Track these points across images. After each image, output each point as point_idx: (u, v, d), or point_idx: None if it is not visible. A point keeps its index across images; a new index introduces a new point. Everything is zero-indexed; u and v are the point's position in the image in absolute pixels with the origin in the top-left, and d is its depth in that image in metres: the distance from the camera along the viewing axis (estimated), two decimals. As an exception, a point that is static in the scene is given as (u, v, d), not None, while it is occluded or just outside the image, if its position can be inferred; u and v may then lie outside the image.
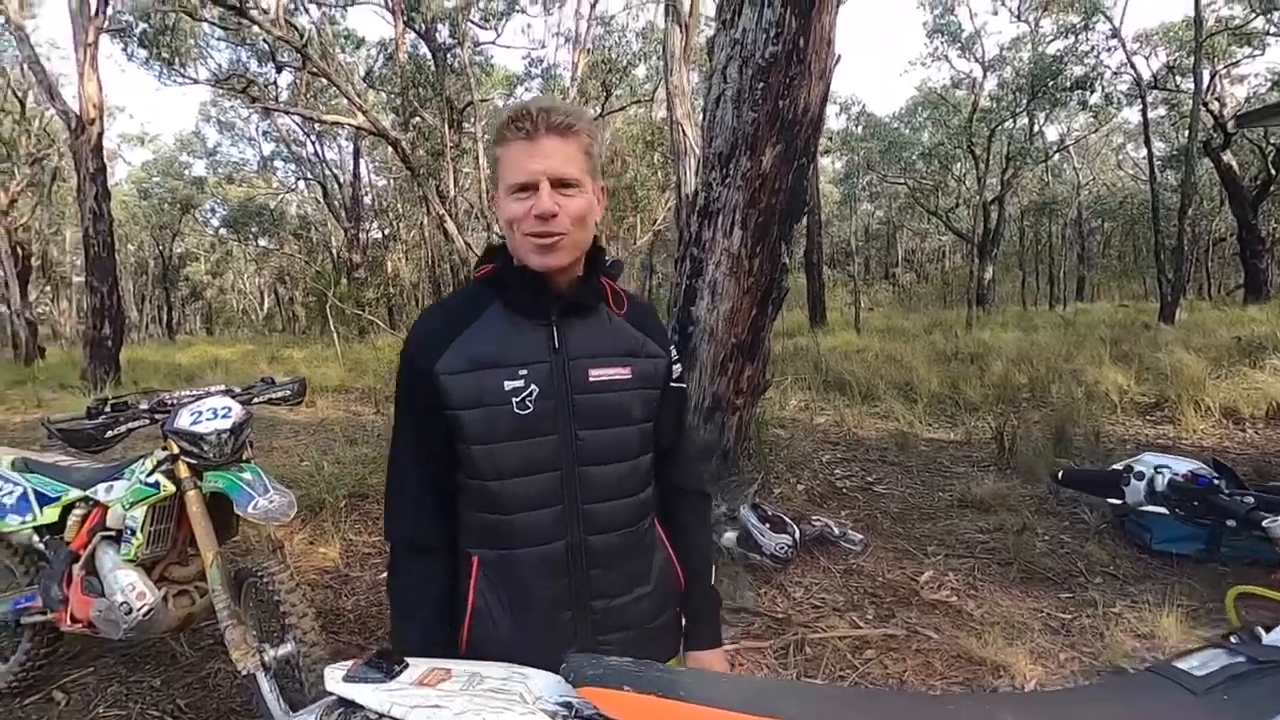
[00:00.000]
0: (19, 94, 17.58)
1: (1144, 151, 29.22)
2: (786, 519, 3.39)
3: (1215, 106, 17.60)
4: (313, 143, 24.67)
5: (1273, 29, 16.92)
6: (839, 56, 3.76)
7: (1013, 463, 4.86)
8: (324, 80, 16.21)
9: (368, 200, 25.74)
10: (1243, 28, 17.02)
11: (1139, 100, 19.19)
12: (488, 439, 1.05)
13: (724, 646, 1.27)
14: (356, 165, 23.77)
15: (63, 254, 28.77)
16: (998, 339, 11.98)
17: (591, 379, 1.08)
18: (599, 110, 15.07)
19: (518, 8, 17.90)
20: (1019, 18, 19.15)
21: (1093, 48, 15.86)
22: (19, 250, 16.62)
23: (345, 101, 14.44)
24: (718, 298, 3.80)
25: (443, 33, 15.94)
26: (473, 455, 1.07)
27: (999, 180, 19.29)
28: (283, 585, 2.03)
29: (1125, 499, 0.90)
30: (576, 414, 1.07)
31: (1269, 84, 20.27)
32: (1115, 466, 0.93)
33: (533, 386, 1.05)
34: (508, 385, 1.04)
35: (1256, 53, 18.33)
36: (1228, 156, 17.21)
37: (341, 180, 24.68)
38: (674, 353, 1.20)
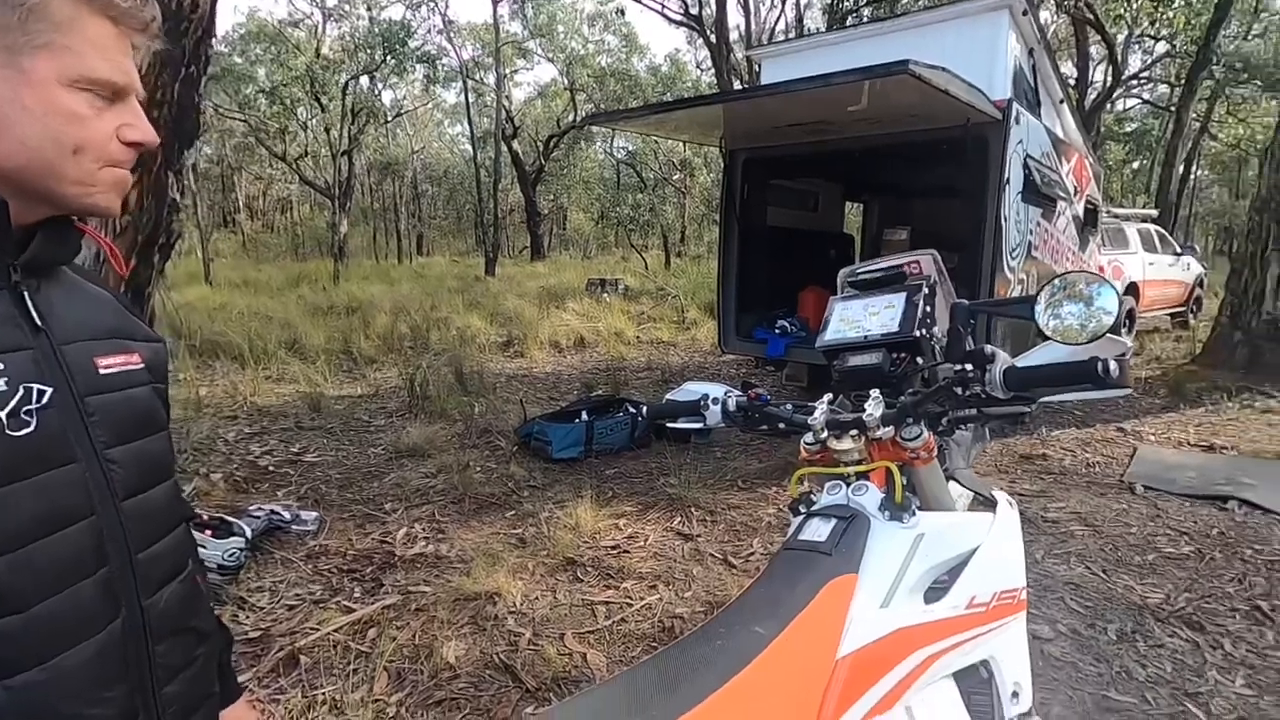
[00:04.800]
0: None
1: (457, 129, 35.02)
2: (228, 519, 2.77)
3: (506, 103, 22.29)
4: None
5: (539, 52, 22.33)
6: (230, -52, 3.06)
7: (428, 407, 5.21)
8: None
9: None
10: (522, 43, 21.85)
11: (455, 83, 22.65)
12: None
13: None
14: None
15: None
16: (366, 292, 12.40)
17: (103, 372, 0.73)
18: None
19: None
20: (352, -27, 19.43)
21: (431, 27, 17.62)
22: None
23: None
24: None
25: None
26: None
27: (346, 135, 19.53)
28: None
29: (706, 422, 1.13)
30: (96, 425, 0.70)
31: (536, 91, 27.04)
32: (677, 398, 1.15)
33: (24, 388, 0.63)
34: None
35: (528, 66, 24.07)
36: (515, 145, 22.18)
37: None
38: None
